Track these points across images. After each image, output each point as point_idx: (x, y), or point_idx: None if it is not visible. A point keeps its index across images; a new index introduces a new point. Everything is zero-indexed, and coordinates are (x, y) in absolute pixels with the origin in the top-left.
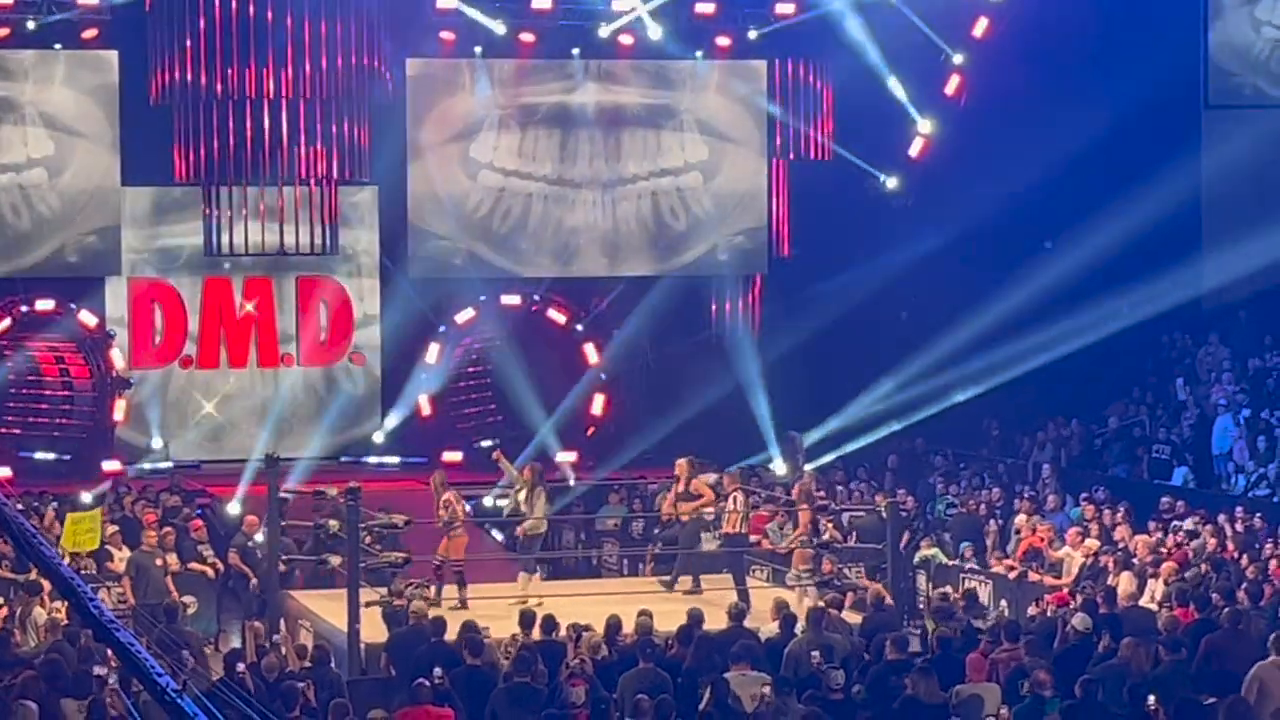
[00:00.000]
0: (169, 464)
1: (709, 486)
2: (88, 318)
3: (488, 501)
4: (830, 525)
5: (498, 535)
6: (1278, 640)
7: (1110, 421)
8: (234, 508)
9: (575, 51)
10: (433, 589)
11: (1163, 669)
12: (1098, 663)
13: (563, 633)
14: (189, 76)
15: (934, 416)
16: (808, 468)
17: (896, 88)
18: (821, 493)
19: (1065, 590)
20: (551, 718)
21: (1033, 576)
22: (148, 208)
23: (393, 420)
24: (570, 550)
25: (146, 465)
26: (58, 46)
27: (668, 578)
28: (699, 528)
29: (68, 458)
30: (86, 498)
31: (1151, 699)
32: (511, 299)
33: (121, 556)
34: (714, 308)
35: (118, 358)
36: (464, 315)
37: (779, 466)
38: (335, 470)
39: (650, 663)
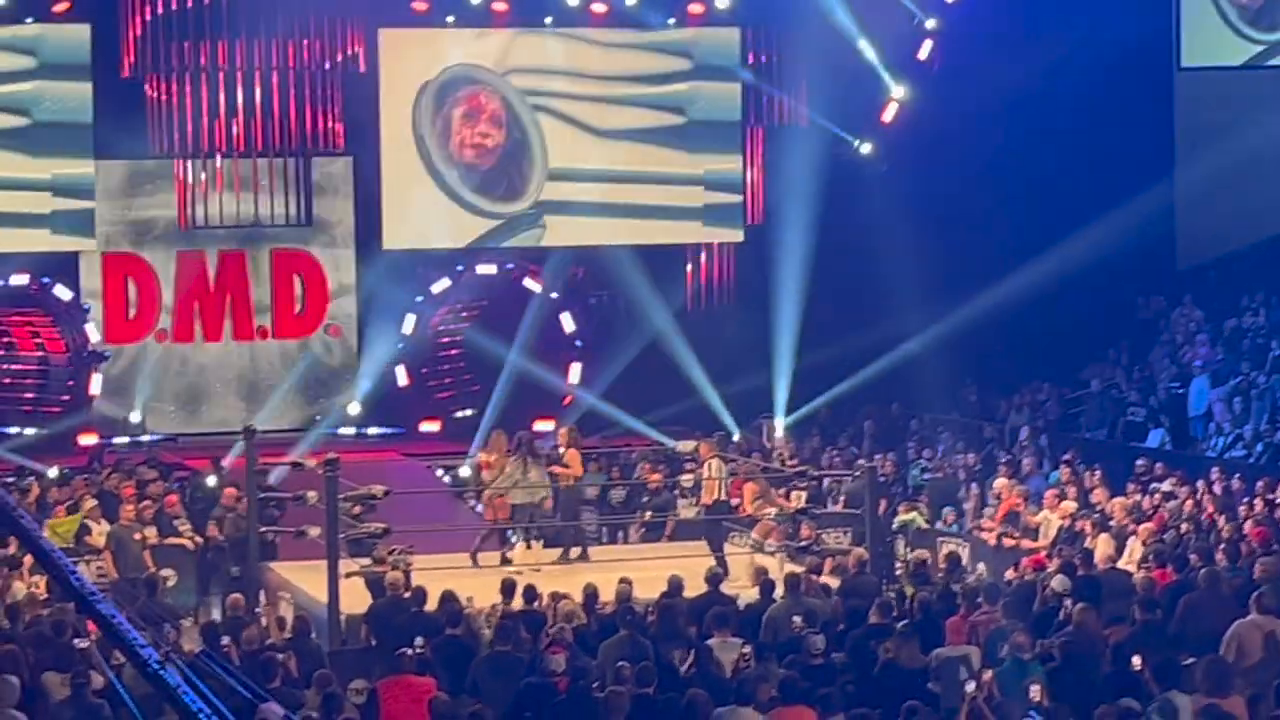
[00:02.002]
0: (146, 437)
1: (579, 459)
2: (63, 291)
3: (464, 472)
4: (803, 492)
5: (476, 506)
6: (1259, 599)
7: (1093, 384)
8: (212, 480)
9: (548, 20)
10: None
11: (1136, 629)
12: (1066, 623)
13: (545, 602)
14: (161, 49)
15: (910, 380)
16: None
17: (868, 53)
18: (795, 460)
19: (1042, 553)
20: (532, 686)
21: (1009, 540)
22: (121, 181)
23: (369, 391)
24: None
25: (124, 439)
26: (30, 20)
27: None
28: (576, 498)
29: (45, 432)
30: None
31: (1136, 659)
32: (488, 268)
33: (101, 530)
34: (689, 275)
35: (92, 331)
36: (439, 285)
37: (757, 435)
38: (314, 442)
39: (630, 630)
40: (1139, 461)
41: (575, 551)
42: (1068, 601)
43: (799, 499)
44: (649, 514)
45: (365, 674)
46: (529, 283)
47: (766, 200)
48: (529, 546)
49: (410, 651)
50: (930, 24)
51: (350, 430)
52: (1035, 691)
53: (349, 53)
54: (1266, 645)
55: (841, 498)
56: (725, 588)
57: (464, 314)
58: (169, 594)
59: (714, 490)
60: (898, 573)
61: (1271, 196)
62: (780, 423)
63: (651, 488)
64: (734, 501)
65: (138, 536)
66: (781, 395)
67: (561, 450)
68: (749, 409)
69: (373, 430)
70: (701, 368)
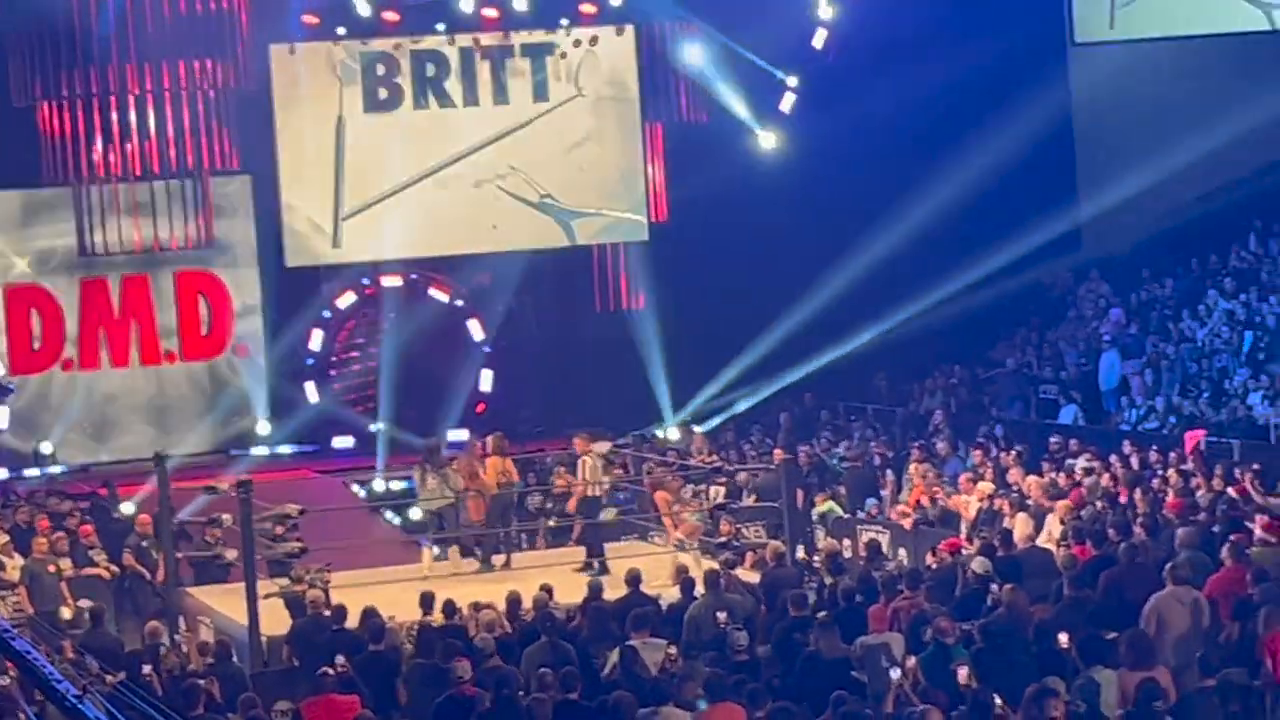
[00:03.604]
0: (57, 468)
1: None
2: None
3: (378, 485)
4: (721, 488)
5: (393, 518)
6: (1173, 570)
7: (1008, 363)
8: (128, 508)
9: (440, 27)
10: (330, 574)
11: (1060, 607)
12: (995, 606)
13: (466, 612)
14: (51, 77)
15: (822, 371)
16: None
17: (761, 46)
18: (713, 456)
19: (960, 536)
20: (453, 698)
21: (925, 525)
22: (17, 211)
23: (279, 409)
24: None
25: (34, 471)
26: None
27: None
28: (502, 505)
29: None
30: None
31: (1064, 637)
32: (392, 280)
33: (14, 565)
34: (596, 278)
35: None
36: (345, 299)
37: (671, 433)
38: (224, 464)
39: (550, 636)
40: (1053, 439)
41: (499, 560)
42: (994, 585)
43: (717, 494)
44: (553, 520)
45: (289, 695)
46: (435, 292)
47: (670, 198)
48: (437, 556)
49: (332, 670)
50: (823, 13)
51: (262, 450)
52: (963, 674)
53: (241, 71)
54: (1192, 615)
55: (753, 493)
56: (645, 588)
57: (370, 327)
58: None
59: (582, 490)
60: (816, 564)
61: (1171, 168)
62: (674, 421)
63: (556, 491)
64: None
65: (52, 569)
66: (693, 393)
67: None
68: (658, 409)
69: (284, 449)
70: (611, 369)
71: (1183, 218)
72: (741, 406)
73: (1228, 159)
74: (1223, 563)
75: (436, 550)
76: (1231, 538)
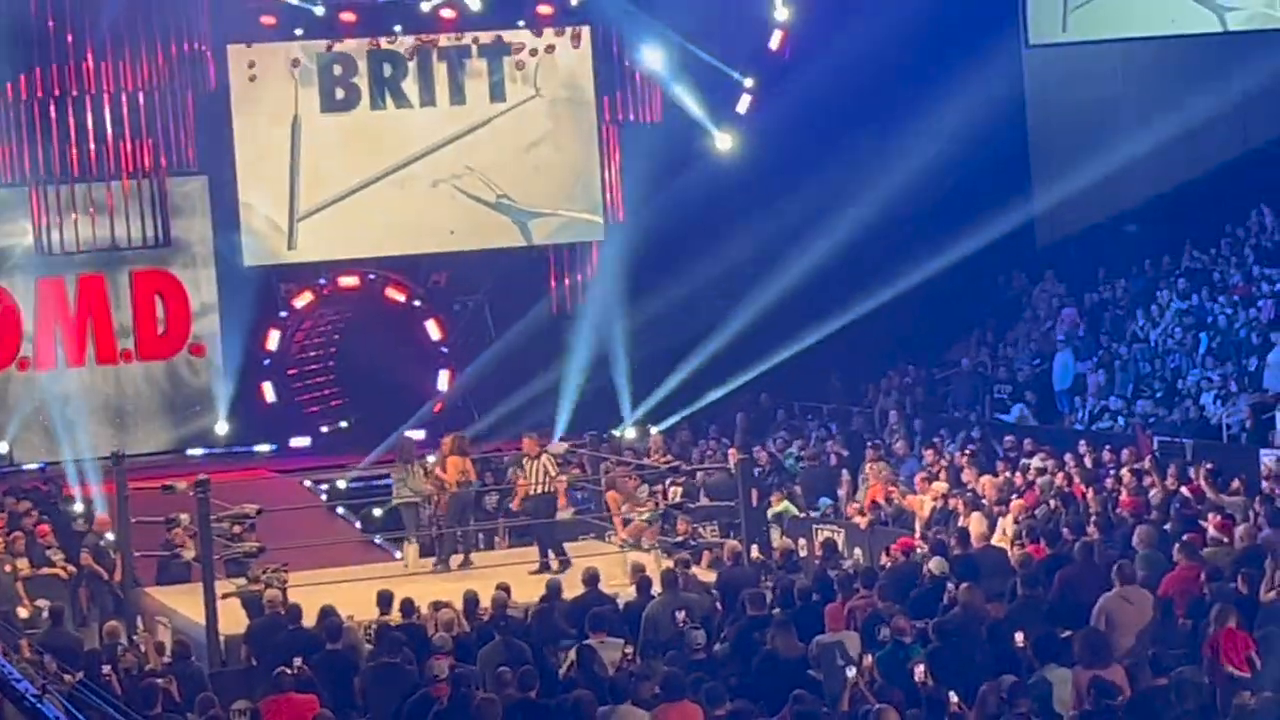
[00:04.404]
0: (12, 468)
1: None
2: None
3: (340, 484)
4: (678, 488)
5: (351, 518)
6: (1120, 570)
7: (964, 363)
8: (79, 508)
9: (397, 29)
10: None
11: (1015, 606)
12: (952, 606)
13: (424, 611)
14: (7, 75)
15: (777, 371)
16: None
17: (718, 48)
18: (668, 457)
19: (913, 536)
20: (414, 697)
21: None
22: None
23: (237, 409)
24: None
25: None
26: None
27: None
28: (462, 502)
29: None
30: None
31: (1020, 636)
32: (350, 280)
33: None
34: (553, 278)
35: None
36: (303, 299)
37: (629, 432)
38: (182, 464)
39: (506, 635)
40: (1008, 438)
41: (457, 560)
42: (950, 584)
43: (675, 494)
44: (502, 520)
45: (247, 694)
46: (392, 292)
47: (626, 199)
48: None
49: (290, 670)
50: (780, 14)
51: (219, 450)
52: (919, 672)
53: (199, 71)
54: (1141, 614)
55: (706, 492)
56: (603, 587)
57: (328, 327)
58: (43, 624)
59: (525, 489)
60: (771, 562)
61: (1123, 169)
62: (631, 421)
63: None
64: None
65: (9, 568)
66: (650, 393)
67: (433, 458)
68: (615, 408)
69: (241, 449)
70: (568, 369)
71: (1138, 218)
72: (698, 406)
73: (1181, 158)
74: (1176, 562)
75: (399, 553)
76: (1185, 537)
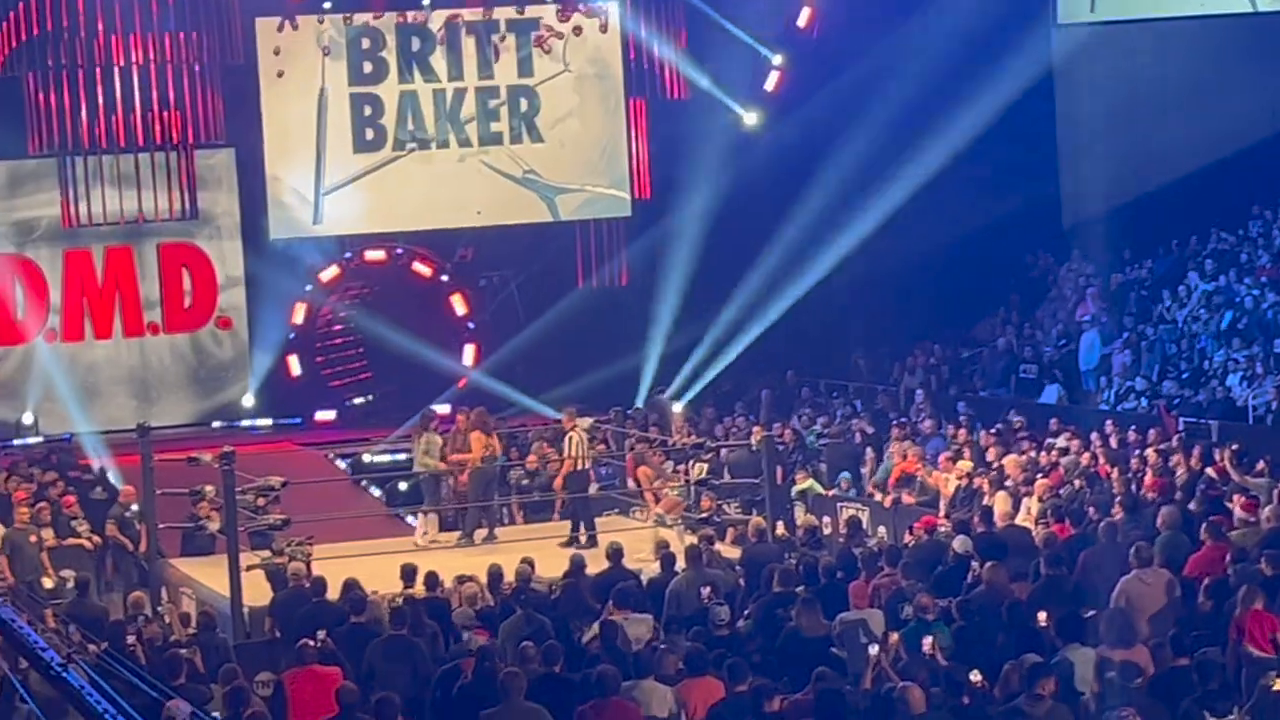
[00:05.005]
0: (39, 439)
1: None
2: None
3: (365, 458)
4: (703, 465)
5: (375, 492)
6: (1138, 552)
7: (999, 343)
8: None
9: (425, 2)
10: (312, 547)
11: (1038, 585)
12: (976, 584)
13: (448, 585)
14: (37, 47)
15: (803, 348)
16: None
17: (747, 24)
18: (692, 434)
19: (936, 515)
20: (445, 668)
21: (907, 500)
22: (2, 181)
23: (262, 382)
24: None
25: (16, 441)
26: None
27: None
28: (486, 477)
29: None
30: None
31: (1043, 615)
32: (376, 254)
33: None
34: (579, 254)
35: None
36: (328, 273)
37: (675, 407)
38: (208, 436)
39: (528, 610)
40: (1015, 417)
41: (481, 534)
42: (974, 563)
43: (700, 471)
44: (536, 494)
45: (271, 666)
46: (419, 267)
47: (653, 175)
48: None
49: (314, 642)
50: None
51: (245, 422)
52: (927, 643)
53: (226, 44)
54: (1159, 595)
55: (729, 469)
56: (627, 563)
57: (354, 301)
58: (68, 595)
59: (570, 464)
60: (795, 540)
61: (1152, 149)
62: (671, 396)
63: (530, 466)
64: (630, 483)
65: (34, 539)
66: (675, 369)
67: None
68: (642, 384)
69: (267, 421)
70: (595, 345)
71: (1164, 199)
72: (723, 384)
73: (1209, 138)
74: (1202, 542)
75: (419, 521)
76: (1211, 518)
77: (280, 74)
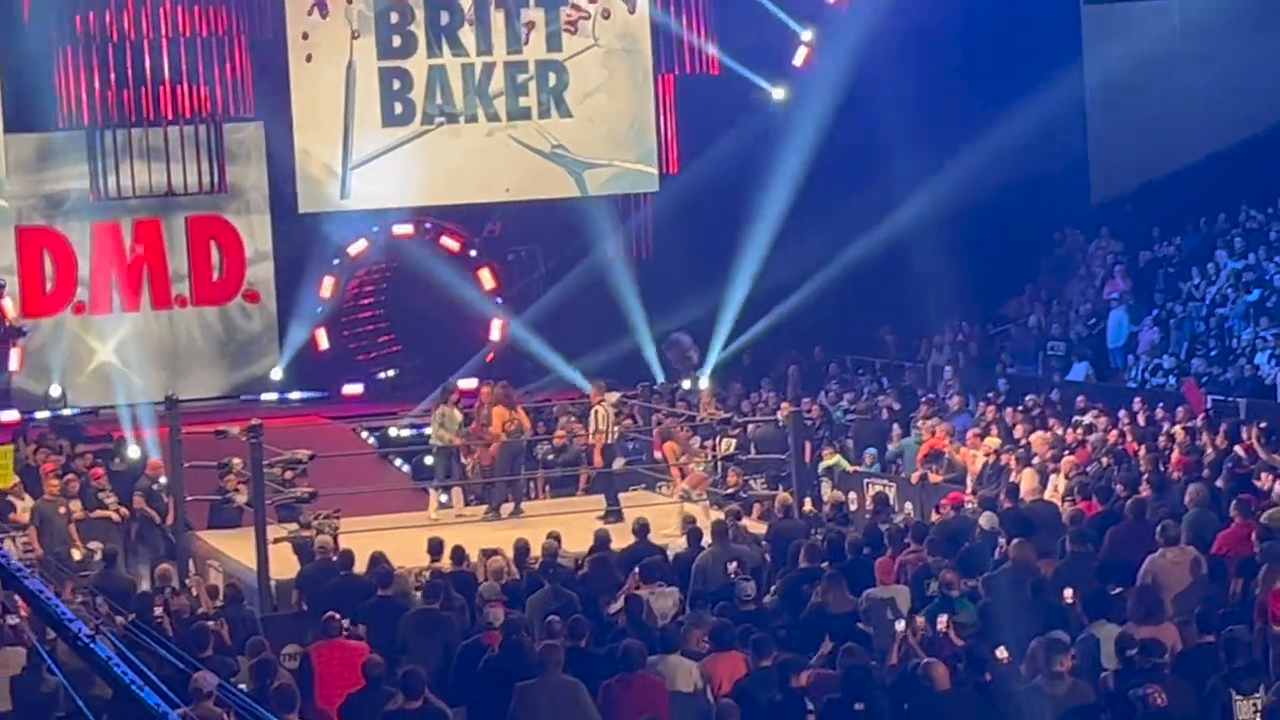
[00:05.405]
0: (67, 411)
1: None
2: None
3: (393, 432)
4: (730, 440)
5: (403, 466)
6: (1164, 531)
7: (1031, 320)
8: (134, 451)
9: None
10: (339, 520)
11: (1065, 562)
12: (1003, 561)
13: (474, 559)
14: (68, 20)
15: (832, 324)
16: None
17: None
18: (719, 410)
19: (963, 491)
20: (469, 642)
21: (934, 478)
22: (31, 154)
23: (290, 356)
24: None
25: (45, 413)
26: None
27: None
28: (513, 451)
29: None
30: None
31: (1069, 592)
32: (404, 228)
33: (25, 506)
34: (608, 229)
35: (9, 307)
36: (357, 247)
37: (702, 383)
38: (236, 409)
39: (554, 584)
40: (1030, 397)
41: (508, 508)
42: (1001, 539)
43: (728, 446)
44: (560, 470)
45: (298, 639)
46: (446, 241)
47: (680, 150)
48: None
49: (340, 616)
50: None
51: (273, 395)
52: (942, 622)
53: (256, 17)
54: (1185, 573)
55: (753, 445)
56: (653, 538)
57: (382, 275)
58: (95, 567)
59: (599, 439)
60: (821, 516)
61: (1181, 127)
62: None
63: (558, 442)
64: (657, 455)
65: (62, 510)
66: (702, 344)
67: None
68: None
69: (295, 395)
70: (623, 319)
71: (1193, 177)
72: (749, 358)
73: (1238, 115)
74: (1231, 520)
75: (444, 497)
76: (1240, 496)
77: (309, 57)
